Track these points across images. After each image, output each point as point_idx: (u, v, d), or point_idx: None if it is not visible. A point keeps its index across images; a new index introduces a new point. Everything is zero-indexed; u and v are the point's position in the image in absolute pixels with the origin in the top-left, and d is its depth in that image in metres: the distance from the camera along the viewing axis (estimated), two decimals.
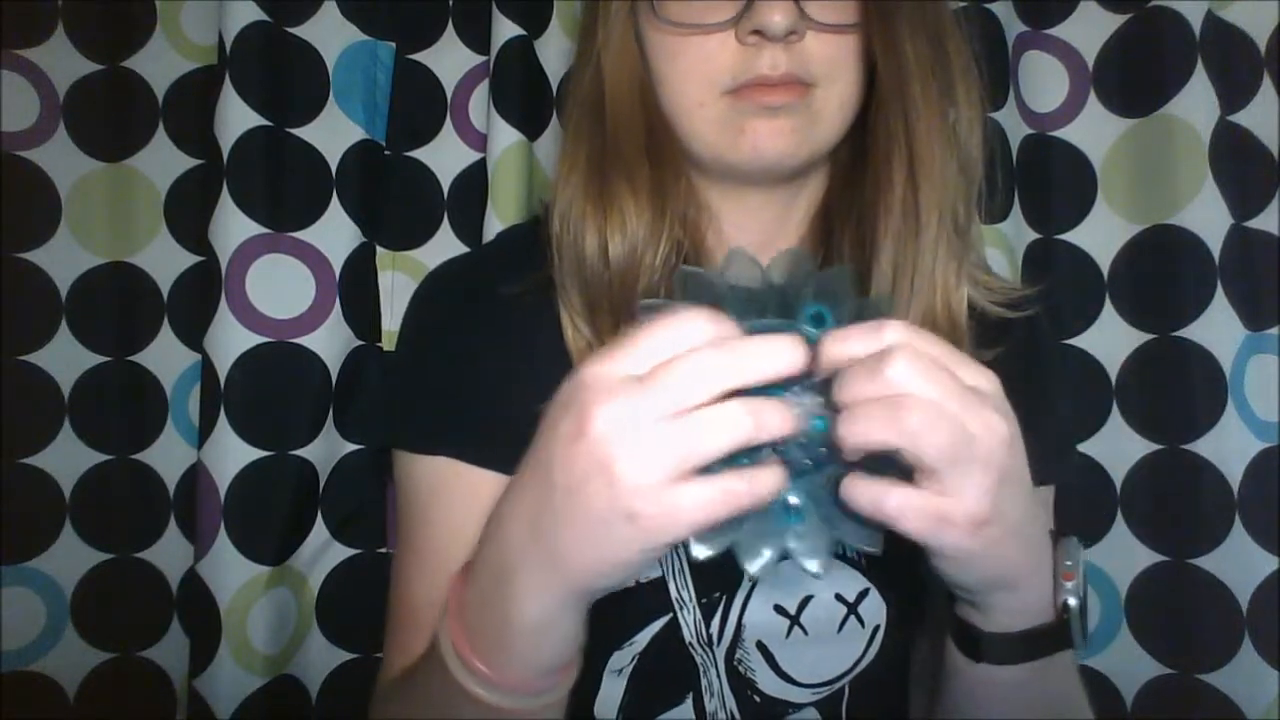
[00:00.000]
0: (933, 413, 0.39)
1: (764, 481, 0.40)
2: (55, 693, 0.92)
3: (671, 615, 0.63)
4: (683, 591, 0.63)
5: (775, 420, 0.39)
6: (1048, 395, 0.67)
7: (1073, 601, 0.49)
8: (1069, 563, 0.50)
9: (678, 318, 0.40)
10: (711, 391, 0.39)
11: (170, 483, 0.95)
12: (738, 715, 0.64)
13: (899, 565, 0.60)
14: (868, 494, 0.41)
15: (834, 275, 0.45)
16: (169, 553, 0.95)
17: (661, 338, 0.40)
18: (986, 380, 0.43)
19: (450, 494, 0.63)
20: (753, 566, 0.42)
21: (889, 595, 0.64)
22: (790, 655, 0.64)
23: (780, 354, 0.39)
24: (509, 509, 0.45)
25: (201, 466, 0.87)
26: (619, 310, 0.61)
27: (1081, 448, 0.91)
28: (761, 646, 0.64)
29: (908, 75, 0.58)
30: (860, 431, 0.40)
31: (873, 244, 0.61)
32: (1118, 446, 0.89)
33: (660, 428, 0.38)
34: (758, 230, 0.67)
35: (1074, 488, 0.90)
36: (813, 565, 0.43)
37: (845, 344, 0.41)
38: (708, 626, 0.63)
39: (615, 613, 0.63)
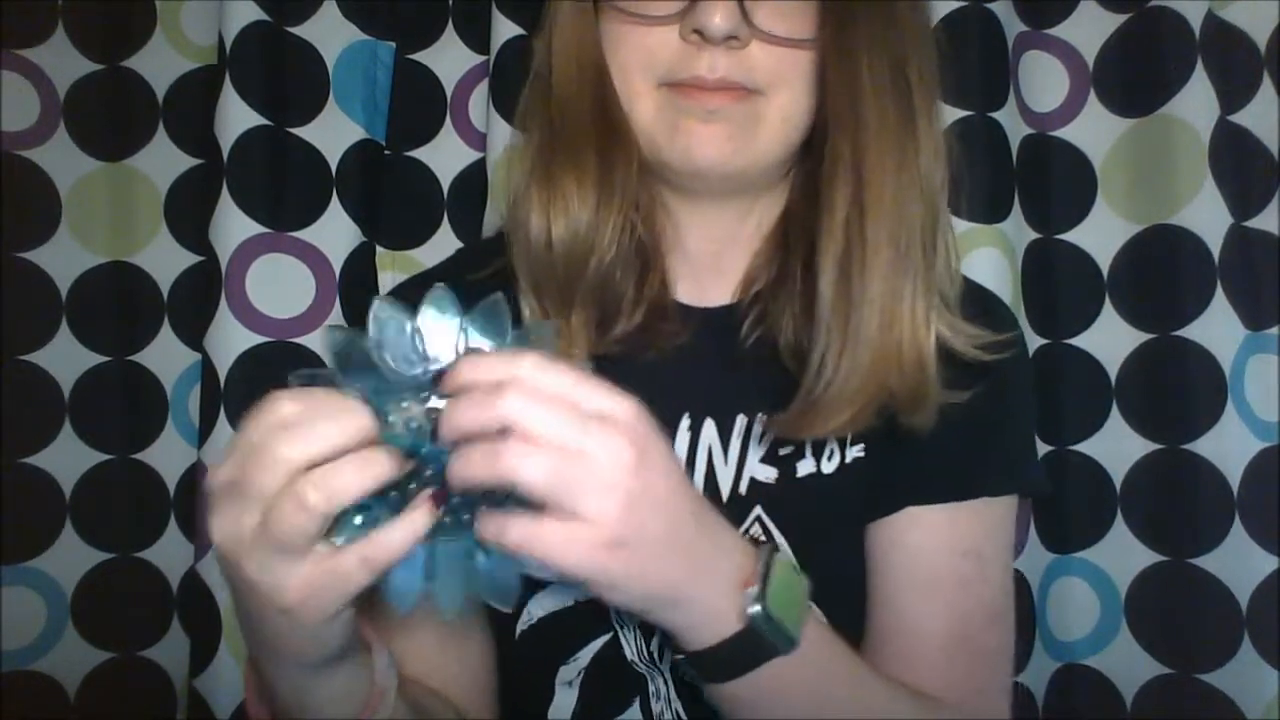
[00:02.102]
0: (532, 445, 0.40)
1: (382, 546, 0.40)
2: (55, 693, 0.93)
3: (613, 633, 0.63)
4: (624, 612, 0.62)
5: (346, 486, 0.39)
6: (1003, 422, 0.66)
7: (752, 609, 0.47)
8: (758, 568, 0.48)
9: (259, 415, 0.41)
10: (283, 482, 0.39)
11: (170, 483, 0.95)
12: (684, 718, 0.63)
13: (836, 582, 0.60)
14: (492, 530, 0.42)
15: (490, 308, 0.44)
16: (169, 553, 0.95)
17: (248, 438, 0.40)
18: (617, 405, 0.43)
19: None
20: (447, 613, 0.43)
21: (824, 609, 0.61)
22: None
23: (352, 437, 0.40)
24: None
25: (201, 466, 0.87)
26: (564, 292, 0.61)
27: (1081, 448, 0.91)
28: None
29: (861, 96, 0.56)
30: (461, 470, 0.41)
31: (815, 267, 0.58)
32: (1118, 446, 0.89)
33: (258, 528, 0.40)
34: (710, 238, 0.66)
35: (1073, 487, 0.91)
36: (500, 605, 0.44)
37: (470, 372, 0.42)
38: (649, 645, 0.63)
39: (559, 631, 0.63)
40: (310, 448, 0.40)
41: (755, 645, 0.48)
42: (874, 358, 0.56)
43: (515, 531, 0.41)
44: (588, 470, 0.41)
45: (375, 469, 0.40)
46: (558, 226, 0.60)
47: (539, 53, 0.65)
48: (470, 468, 0.41)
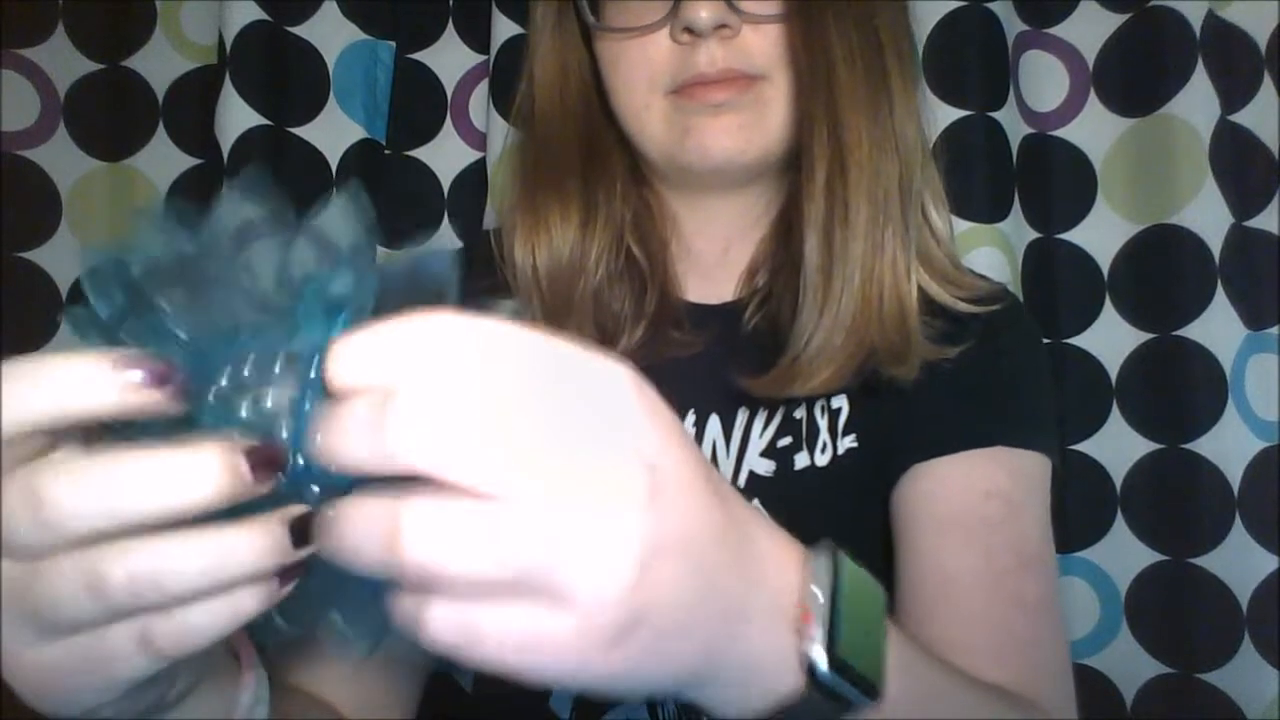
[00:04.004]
0: (454, 499, 0.25)
1: (188, 631, 0.27)
2: None
3: None
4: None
5: (179, 580, 0.26)
6: (1009, 380, 0.64)
7: (817, 657, 0.32)
8: (815, 590, 0.33)
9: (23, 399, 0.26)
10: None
11: None
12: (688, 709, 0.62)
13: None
14: (406, 616, 0.27)
15: (336, 214, 0.29)
16: None
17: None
18: (607, 377, 0.27)
19: None
20: (359, 650, 0.32)
21: None
22: None
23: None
24: None
25: None
26: (556, 317, 0.61)
27: (1081, 448, 0.91)
28: None
29: (833, 60, 0.57)
30: (337, 547, 0.26)
31: (800, 236, 0.58)
32: (1118, 446, 0.89)
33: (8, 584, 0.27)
34: (718, 235, 0.66)
35: (1073, 487, 0.91)
36: (359, 648, 0.31)
37: (346, 366, 0.26)
38: None
39: None
40: (127, 507, 0.25)
41: (822, 704, 0.33)
42: (855, 312, 0.57)
43: (444, 624, 0.26)
44: (573, 522, 0.25)
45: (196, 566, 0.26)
46: (541, 255, 0.61)
47: (521, 90, 0.65)
48: (345, 544, 0.26)
